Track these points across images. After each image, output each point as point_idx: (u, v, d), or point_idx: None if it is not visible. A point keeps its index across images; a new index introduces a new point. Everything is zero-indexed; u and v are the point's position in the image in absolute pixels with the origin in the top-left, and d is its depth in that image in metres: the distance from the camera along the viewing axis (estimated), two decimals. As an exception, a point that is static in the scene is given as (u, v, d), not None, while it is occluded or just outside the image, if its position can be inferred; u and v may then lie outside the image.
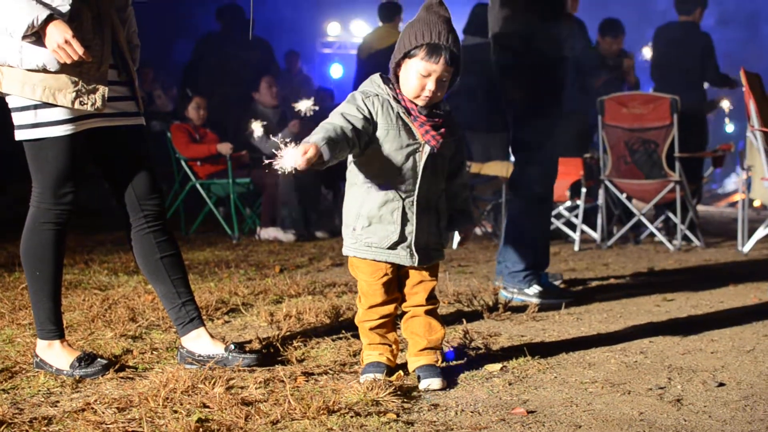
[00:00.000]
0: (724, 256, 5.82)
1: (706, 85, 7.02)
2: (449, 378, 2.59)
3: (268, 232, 6.68)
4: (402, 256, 2.57)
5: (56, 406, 2.35)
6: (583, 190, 6.45)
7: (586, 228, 6.50)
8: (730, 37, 13.53)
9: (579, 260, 5.56)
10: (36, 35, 2.49)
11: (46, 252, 2.67)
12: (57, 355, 2.70)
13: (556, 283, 4.30)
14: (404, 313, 2.67)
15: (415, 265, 2.59)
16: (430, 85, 2.49)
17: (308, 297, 3.98)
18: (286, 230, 6.69)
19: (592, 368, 2.76)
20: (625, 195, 6.43)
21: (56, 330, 2.73)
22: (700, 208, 8.54)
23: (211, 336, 2.84)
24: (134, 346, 3.00)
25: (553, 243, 4.75)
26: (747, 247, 5.88)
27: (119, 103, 2.70)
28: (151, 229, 2.78)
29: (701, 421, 2.24)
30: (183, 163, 6.83)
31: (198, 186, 6.82)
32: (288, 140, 2.29)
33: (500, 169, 6.55)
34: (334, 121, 2.44)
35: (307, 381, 2.58)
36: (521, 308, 3.68)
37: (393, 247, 2.56)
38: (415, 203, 2.55)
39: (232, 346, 2.79)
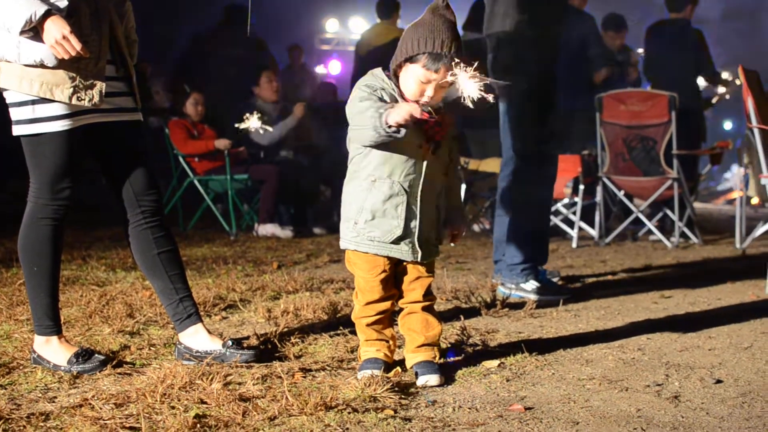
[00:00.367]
0: (721, 253, 5.83)
1: (700, 81, 7.02)
2: (447, 374, 2.59)
3: (265, 229, 6.68)
4: (404, 251, 2.58)
5: (53, 402, 2.34)
6: (581, 187, 6.45)
7: (584, 225, 6.50)
8: (734, 30, 13.54)
9: (577, 257, 5.57)
10: (34, 30, 2.49)
11: (43, 247, 2.67)
12: (54, 350, 2.70)
13: (554, 280, 4.31)
14: (401, 309, 2.68)
15: (418, 260, 2.59)
16: (429, 91, 2.51)
17: (306, 293, 3.98)
18: (283, 226, 6.69)
19: (589, 365, 2.76)
20: (623, 192, 6.43)
21: (54, 326, 2.73)
22: (698, 205, 8.55)
23: (209, 332, 2.83)
24: (132, 342, 3.00)
25: (551, 240, 4.75)
26: (745, 245, 5.89)
27: (117, 99, 2.70)
28: (149, 225, 2.78)
29: (699, 417, 2.24)
30: (181, 159, 6.83)
31: (196, 182, 6.82)
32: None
33: (497, 165, 6.52)
34: (377, 103, 2.46)
35: (304, 377, 2.58)
36: (519, 305, 3.68)
37: (396, 242, 2.56)
38: (419, 198, 2.56)
39: (230, 342, 2.79)
